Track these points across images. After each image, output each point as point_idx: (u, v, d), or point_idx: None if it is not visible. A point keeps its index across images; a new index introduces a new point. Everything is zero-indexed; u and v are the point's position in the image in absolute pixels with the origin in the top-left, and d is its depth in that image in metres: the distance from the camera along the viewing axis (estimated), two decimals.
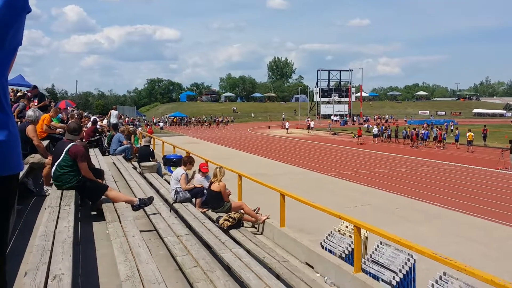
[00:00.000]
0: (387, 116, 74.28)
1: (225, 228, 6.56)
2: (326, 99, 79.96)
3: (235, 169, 9.03)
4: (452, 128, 39.32)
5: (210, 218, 6.99)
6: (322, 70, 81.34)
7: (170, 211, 6.88)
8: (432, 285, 4.36)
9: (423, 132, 32.77)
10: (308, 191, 13.12)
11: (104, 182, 5.71)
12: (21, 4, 1.25)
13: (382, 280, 4.98)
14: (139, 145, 14.18)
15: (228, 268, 4.57)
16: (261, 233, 7.33)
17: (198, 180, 8.06)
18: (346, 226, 6.24)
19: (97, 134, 13.33)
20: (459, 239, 9.83)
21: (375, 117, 70.85)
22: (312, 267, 5.72)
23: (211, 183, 7.67)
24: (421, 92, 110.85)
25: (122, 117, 35.90)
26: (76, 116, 15.61)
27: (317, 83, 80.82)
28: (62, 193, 4.80)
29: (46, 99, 15.57)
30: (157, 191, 8.58)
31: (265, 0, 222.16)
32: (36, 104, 11.83)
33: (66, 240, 3.14)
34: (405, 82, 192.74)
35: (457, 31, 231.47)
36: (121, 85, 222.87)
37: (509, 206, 12.76)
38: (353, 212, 9.93)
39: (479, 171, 20.23)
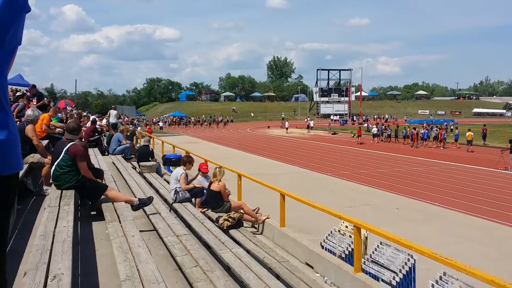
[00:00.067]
0: (386, 116, 74.33)
1: (225, 228, 6.56)
2: (326, 99, 80.00)
3: (234, 169, 9.02)
4: (452, 127, 39.33)
5: (209, 218, 6.99)
6: (321, 70, 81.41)
7: (170, 211, 6.88)
8: (432, 285, 4.36)
9: (423, 131, 32.78)
10: (307, 191, 13.11)
11: (103, 182, 5.70)
12: (21, 4, 1.25)
13: (382, 280, 4.97)
14: (138, 145, 14.18)
15: (228, 268, 4.56)
16: (261, 233, 7.33)
17: (198, 180, 8.05)
18: (346, 226, 6.24)
19: (96, 134, 13.32)
20: (459, 239, 9.83)
21: (375, 116, 70.85)
22: (312, 267, 5.71)
23: (210, 183, 7.66)
24: (421, 92, 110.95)
25: (122, 116, 35.87)
26: (75, 115, 15.61)
27: (316, 82, 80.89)
28: (61, 192, 4.79)
29: (45, 98, 15.55)
30: (157, 191, 8.57)
31: (264, 0, 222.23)
32: (35, 103, 11.81)
33: (65, 240, 3.13)
34: (405, 81, 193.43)
35: (456, 31, 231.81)
36: (121, 84, 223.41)
37: (509, 206, 12.77)
38: (353, 212, 9.93)
39: (479, 171, 20.24)
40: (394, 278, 4.87)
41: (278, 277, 4.73)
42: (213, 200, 7.53)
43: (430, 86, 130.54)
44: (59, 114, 12.44)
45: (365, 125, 51.19)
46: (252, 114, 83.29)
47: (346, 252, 5.92)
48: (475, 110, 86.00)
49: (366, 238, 5.73)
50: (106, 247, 4.01)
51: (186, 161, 8.21)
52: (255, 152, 29.00)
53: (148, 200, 5.47)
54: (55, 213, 3.91)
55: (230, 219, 6.73)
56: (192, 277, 3.43)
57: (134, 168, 10.65)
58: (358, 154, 27.46)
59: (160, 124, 59.74)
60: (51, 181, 5.33)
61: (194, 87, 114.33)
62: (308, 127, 52.41)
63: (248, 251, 5.53)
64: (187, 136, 44.80)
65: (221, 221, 6.73)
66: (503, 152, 21.49)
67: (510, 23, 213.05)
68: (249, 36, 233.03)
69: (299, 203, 6.58)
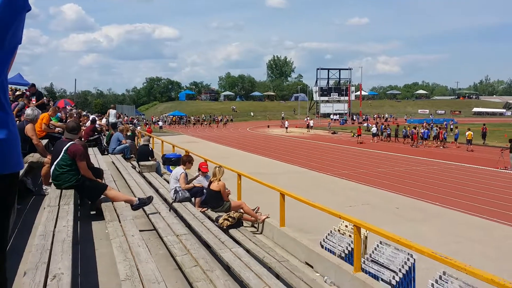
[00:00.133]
0: (386, 115, 74.34)
1: (225, 227, 6.56)
2: (326, 98, 79.97)
3: (234, 168, 9.02)
4: (451, 127, 39.34)
5: (209, 218, 6.99)
6: (321, 69, 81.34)
7: (170, 211, 6.87)
8: (432, 284, 4.36)
9: (422, 131, 32.79)
10: (307, 191, 13.12)
11: (103, 182, 5.70)
12: (21, 3, 1.25)
13: (382, 279, 4.98)
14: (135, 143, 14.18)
15: (227, 268, 4.56)
16: (261, 233, 7.33)
17: (198, 180, 8.05)
18: (346, 226, 6.23)
19: (96, 133, 13.31)
20: (459, 238, 9.84)
21: (375, 116, 70.89)
22: (312, 267, 5.72)
23: (210, 183, 7.66)
24: (421, 91, 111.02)
25: (121, 116, 35.86)
26: (75, 115, 15.59)
27: (316, 82, 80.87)
28: (61, 192, 4.79)
29: (45, 98, 15.54)
30: (157, 191, 8.57)
31: None
32: (34, 102, 11.80)
33: (65, 240, 3.13)
34: (405, 80, 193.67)
35: (456, 30, 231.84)
36: (120, 84, 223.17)
37: (509, 206, 12.77)
38: (353, 212, 9.93)
39: (478, 170, 20.24)
40: (393, 277, 4.87)
41: (278, 276, 4.73)
42: (213, 199, 7.53)
43: (430, 86, 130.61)
44: (59, 114, 12.43)
45: (365, 124, 51.19)
46: (251, 114, 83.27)
47: (346, 252, 5.92)
48: (475, 109, 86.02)
49: (366, 237, 5.73)
50: (106, 246, 4.01)
51: (185, 160, 8.21)
52: (254, 152, 29.00)
53: (148, 200, 5.47)
54: (55, 212, 3.91)
55: (230, 219, 6.73)
56: (192, 276, 3.43)
57: (134, 167, 10.65)
58: (358, 154, 27.47)
59: (160, 123, 59.73)
60: (50, 180, 5.33)
61: (194, 87, 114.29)
62: (308, 126, 52.42)
63: (248, 251, 5.53)
64: (187, 136, 44.79)
65: (221, 220, 6.73)
66: (503, 152, 21.50)
67: (510, 22, 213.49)
68: (248, 35, 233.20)
69: (299, 203, 6.58)
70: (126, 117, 41.62)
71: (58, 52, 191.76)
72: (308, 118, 59.20)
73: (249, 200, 7.94)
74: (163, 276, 2.86)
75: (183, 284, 3.76)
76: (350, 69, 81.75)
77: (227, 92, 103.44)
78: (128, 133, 14.15)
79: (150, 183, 9.26)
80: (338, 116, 74.68)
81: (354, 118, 72.50)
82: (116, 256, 3.22)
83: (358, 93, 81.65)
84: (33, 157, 6.14)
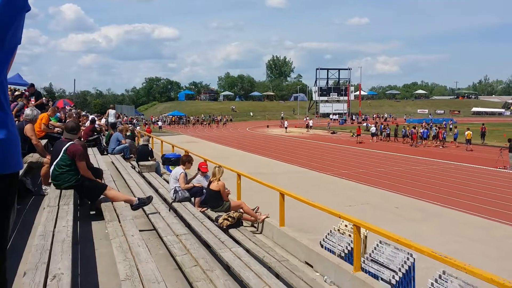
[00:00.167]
0: (386, 115, 74.39)
1: (225, 227, 6.56)
2: (325, 98, 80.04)
3: (234, 168, 9.02)
4: (451, 126, 39.39)
5: (209, 217, 6.99)
6: (320, 69, 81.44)
7: (169, 211, 6.87)
8: (432, 284, 4.36)
9: (422, 131, 32.83)
10: (307, 190, 13.12)
11: (102, 182, 5.70)
12: (20, 3, 1.25)
13: (382, 279, 4.98)
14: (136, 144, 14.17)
15: (227, 267, 4.56)
16: (261, 232, 7.33)
17: (197, 179, 8.05)
18: (346, 225, 6.24)
19: (95, 133, 13.30)
20: (458, 238, 9.84)
21: (374, 116, 70.94)
22: (312, 266, 5.72)
23: (210, 182, 7.66)
24: (420, 91, 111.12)
25: (121, 116, 35.83)
26: (74, 115, 15.59)
27: (315, 81, 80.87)
28: (60, 192, 4.78)
29: (44, 98, 15.52)
30: (156, 191, 8.57)
31: None
32: (33, 102, 11.79)
33: (65, 240, 3.13)
34: (404, 80, 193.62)
35: (456, 30, 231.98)
36: (120, 84, 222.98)
37: (508, 205, 12.78)
38: (352, 211, 9.94)
39: (478, 170, 20.26)
40: (393, 277, 4.87)
41: (277, 276, 4.73)
42: (213, 199, 7.53)
43: (429, 85, 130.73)
44: (58, 114, 12.43)
45: (364, 124, 51.23)
46: (251, 114, 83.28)
47: (346, 251, 5.92)
48: (474, 109, 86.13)
49: (366, 237, 5.73)
50: (106, 246, 4.01)
51: (185, 160, 8.21)
52: (254, 152, 29.00)
53: (148, 200, 5.46)
54: (55, 212, 3.91)
55: (229, 219, 6.73)
56: (192, 276, 3.43)
57: (133, 167, 10.65)
58: (357, 153, 27.48)
59: (159, 123, 59.70)
60: (50, 180, 5.32)
61: (193, 87, 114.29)
62: (307, 126, 52.44)
63: (247, 250, 5.53)
64: (186, 136, 44.78)
65: (220, 220, 6.72)
66: (502, 151, 21.53)
67: (509, 22, 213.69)
68: (248, 35, 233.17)
69: (298, 202, 6.58)
70: (125, 117, 41.59)
71: (57, 52, 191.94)
72: (308, 118, 59.22)
73: (248, 200, 7.94)
74: (163, 276, 2.86)
75: (183, 284, 3.76)
76: (349, 69, 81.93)
77: (227, 92, 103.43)
78: (128, 133, 14.14)
79: (149, 183, 9.25)
80: (337, 116, 74.72)
81: (354, 118, 72.55)
82: (116, 256, 3.22)
83: (358, 93, 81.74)
84: (33, 157, 6.13)
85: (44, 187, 6.03)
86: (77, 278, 3.24)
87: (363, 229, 5.20)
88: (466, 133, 28.60)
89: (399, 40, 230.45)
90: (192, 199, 7.80)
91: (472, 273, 3.37)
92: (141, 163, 11.13)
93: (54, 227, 3.45)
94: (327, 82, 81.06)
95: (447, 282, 4.23)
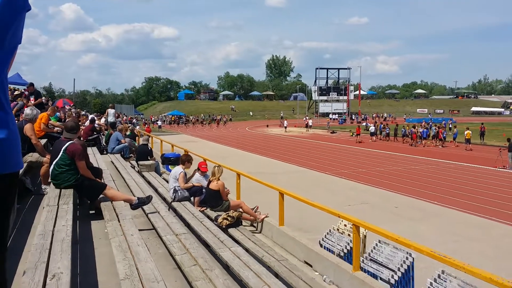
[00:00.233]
0: (385, 115, 74.42)
1: (224, 226, 6.56)
2: (325, 98, 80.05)
3: (233, 167, 9.02)
4: (450, 126, 39.42)
5: (208, 217, 6.99)
6: (320, 68, 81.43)
7: (169, 210, 6.87)
8: (431, 283, 4.37)
9: (421, 130, 32.85)
10: (306, 190, 13.12)
11: (102, 181, 5.70)
12: (21, 3, 1.25)
13: (381, 278, 4.99)
14: (136, 144, 14.16)
15: (227, 267, 4.57)
16: (260, 232, 7.33)
17: (197, 179, 8.05)
18: (345, 225, 6.24)
19: (95, 133, 13.30)
20: (457, 237, 9.86)
21: (373, 115, 70.97)
22: (311, 266, 5.72)
23: (209, 182, 7.66)
24: (420, 90, 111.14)
25: (120, 115, 35.81)
26: (74, 114, 15.58)
27: (315, 81, 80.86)
28: (60, 192, 4.78)
29: (44, 97, 15.52)
30: (156, 190, 8.57)
31: None
32: (32, 101, 11.79)
33: (64, 239, 3.13)
34: (404, 80, 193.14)
35: (455, 30, 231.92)
36: (119, 83, 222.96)
37: (507, 205, 12.80)
38: (352, 211, 9.95)
39: (477, 169, 20.28)
40: (392, 276, 4.88)
41: (277, 275, 4.73)
42: (212, 199, 7.53)
43: (429, 85, 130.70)
44: (58, 113, 12.43)
45: (364, 124, 51.26)
46: (251, 113, 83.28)
47: (345, 251, 5.93)
48: (474, 108, 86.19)
49: (365, 236, 5.74)
50: (105, 246, 4.01)
51: (185, 160, 8.21)
52: (254, 151, 29.00)
53: (147, 199, 5.47)
54: (54, 212, 3.91)
55: (229, 218, 6.74)
56: (191, 275, 3.43)
57: (133, 167, 10.65)
58: (356, 153, 27.49)
59: (159, 123, 59.67)
60: (49, 180, 5.33)
61: (193, 86, 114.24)
62: (307, 126, 52.47)
63: (247, 250, 5.53)
64: (186, 135, 44.77)
65: (220, 219, 6.73)
66: (501, 151, 21.55)
67: (509, 22, 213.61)
68: (248, 35, 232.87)
69: (298, 202, 6.58)
70: (125, 117, 41.57)
71: (57, 52, 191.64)
72: (307, 118, 59.22)
73: (248, 200, 7.94)
74: (162, 275, 2.86)
75: (183, 283, 3.77)
76: (349, 69, 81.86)
77: (226, 92, 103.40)
78: (127, 133, 14.14)
79: (149, 183, 9.25)
80: (337, 115, 74.73)
81: (353, 118, 72.55)
82: (115, 256, 3.22)
83: (357, 92, 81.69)
84: (32, 156, 6.13)
85: (43, 186, 6.04)
86: (76, 277, 3.25)
87: (362, 229, 5.20)
88: (466, 132, 28.63)
89: (398, 39, 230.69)
90: (192, 198, 7.80)
91: (471, 273, 3.38)
92: (140, 162, 11.13)
93: (54, 226, 3.45)
94: (327, 82, 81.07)
95: (446, 281, 4.23)
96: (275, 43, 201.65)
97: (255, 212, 7.58)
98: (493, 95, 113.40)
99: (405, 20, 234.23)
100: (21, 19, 1.27)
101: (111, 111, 17.57)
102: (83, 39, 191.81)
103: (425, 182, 16.64)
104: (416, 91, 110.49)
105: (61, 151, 4.97)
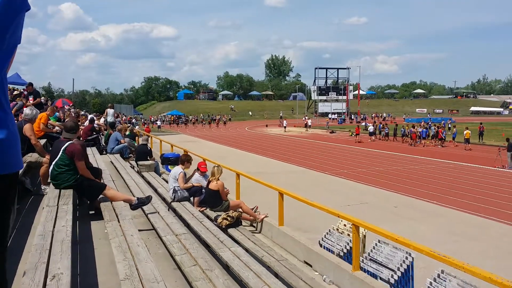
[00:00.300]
0: (384, 114, 74.47)
1: (224, 227, 6.56)
2: (324, 97, 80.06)
3: (233, 167, 9.02)
4: (449, 126, 39.47)
5: (208, 217, 6.99)
6: (319, 68, 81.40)
7: (169, 210, 6.87)
8: (430, 283, 4.37)
9: (420, 130, 32.89)
10: (306, 190, 13.13)
11: (102, 181, 5.69)
12: (20, 3, 1.25)
13: (380, 278, 4.99)
14: (136, 144, 14.15)
15: (226, 267, 4.57)
16: (260, 232, 7.34)
17: (196, 179, 8.05)
18: (345, 225, 6.25)
19: (94, 133, 13.29)
20: (457, 237, 9.87)
21: (373, 115, 71.01)
22: (311, 266, 5.73)
23: (209, 182, 7.66)
24: (419, 90, 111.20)
25: (120, 115, 35.80)
26: (73, 114, 15.57)
27: (314, 81, 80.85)
28: (59, 192, 4.78)
29: (43, 97, 15.51)
30: (155, 190, 8.57)
31: None
32: (31, 101, 11.78)
33: (64, 240, 3.13)
34: (403, 80, 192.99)
35: (454, 29, 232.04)
36: (118, 83, 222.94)
37: (506, 204, 12.82)
38: (351, 211, 9.96)
39: (476, 169, 20.30)
40: (392, 276, 4.89)
41: (276, 275, 4.74)
42: (212, 199, 7.53)
43: (428, 85, 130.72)
44: (57, 113, 12.42)
45: (363, 123, 51.29)
46: (250, 113, 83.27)
47: (345, 251, 5.93)
48: (473, 108, 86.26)
49: (364, 236, 5.75)
50: (105, 246, 4.00)
51: (184, 160, 8.21)
52: (253, 151, 29.00)
53: (147, 199, 5.46)
54: (54, 212, 3.91)
55: (228, 218, 6.74)
56: (191, 276, 3.43)
57: (133, 167, 10.65)
58: (356, 153, 27.51)
59: (158, 123, 59.63)
60: (49, 180, 5.32)
61: (192, 86, 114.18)
62: (306, 125, 52.47)
63: (246, 250, 5.53)
64: (185, 135, 44.77)
65: (219, 220, 6.73)
66: (500, 150, 21.57)
67: (508, 21, 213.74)
68: (247, 34, 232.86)
69: (297, 202, 6.58)
70: (124, 117, 41.55)
71: (56, 52, 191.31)
72: (306, 117, 59.23)
73: (247, 200, 7.94)
74: (162, 275, 2.86)
75: (183, 284, 3.77)
76: (348, 69, 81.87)
77: (225, 92, 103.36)
78: (127, 133, 14.13)
79: (148, 183, 9.25)
80: (336, 115, 74.76)
81: (352, 117, 72.59)
82: (115, 256, 3.22)
83: (356, 92, 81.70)
84: (32, 157, 6.12)
85: (43, 186, 6.03)
86: (76, 277, 3.25)
87: (362, 229, 5.21)
88: (465, 132, 28.67)
89: (397, 39, 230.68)
90: (191, 198, 7.80)
91: (471, 272, 3.39)
92: (140, 162, 11.12)
93: (54, 226, 3.45)
94: (326, 82, 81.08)
95: (445, 281, 4.24)
96: (275, 42, 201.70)
97: (255, 212, 7.59)
98: (492, 95, 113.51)
99: (404, 20, 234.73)
100: (21, 19, 1.27)
101: (110, 111, 17.57)
102: (82, 39, 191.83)
103: (424, 182, 16.65)
104: (415, 91, 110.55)
105: (61, 151, 4.96)
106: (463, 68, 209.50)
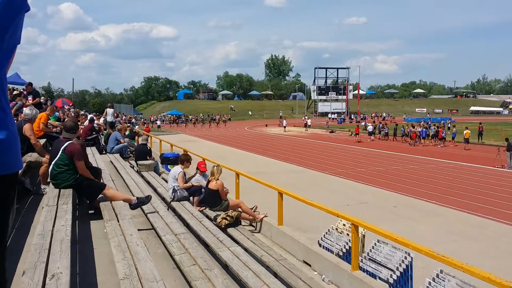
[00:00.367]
0: (384, 114, 74.48)
1: (223, 226, 6.57)
2: (324, 97, 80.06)
3: (232, 167, 9.03)
4: (449, 125, 39.48)
5: (207, 217, 7.00)
6: (319, 68, 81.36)
7: (168, 210, 6.87)
8: (429, 282, 4.38)
9: (420, 130, 32.90)
10: (305, 189, 13.13)
11: (101, 181, 5.70)
12: (20, 3, 1.25)
13: (380, 278, 5.00)
14: (136, 144, 14.15)
15: (226, 267, 4.57)
16: (259, 232, 7.34)
17: (196, 179, 8.05)
18: (344, 224, 6.25)
19: (94, 133, 13.29)
20: (456, 237, 9.88)
21: (372, 115, 71.02)
22: (310, 265, 5.73)
23: (208, 182, 7.67)
24: (418, 90, 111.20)
25: (119, 115, 35.79)
26: (73, 114, 15.57)
27: (314, 81, 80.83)
28: (59, 191, 4.78)
29: (42, 97, 15.50)
30: (155, 190, 8.57)
31: None
32: (30, 101, 11.78)
33: (63, 239, 3.13)
34: (402, 79, 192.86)
35: (454, 29, 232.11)
36: (118, 83, 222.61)
37: (505, 204, 12.83)
38: (351, 210, 9.97)
39: (476, 169, 20.31)
40: (391, 276, 4.89)
41: (276, 275, 4.74)
42: (211, 198, 7.54)
43: (428, 85, 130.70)
44: (57, 113, 12.42)
45: (363, 123, 51.29)
46: (250, 113, 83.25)
47: (344, 250, 5.94)
48: (472, 108, 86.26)
49: (364, 236, 5.75)
50: (104, 245, 4.01)
51: (184, 159, 8.21)
52: (253, 151, 29.00)
53: (146, 199, 5.47)
54: (53, 212, 3.91)
55: (228, 218, 6.74)
56: (190, 275, 3.44)
57: (132, 167, 10.65)
58: (355, 152, 27.51)
59: (158, 122, 59.61)
60: (49, 180, 5.32)
61: (192, 86, 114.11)
62: (306, 125, 52.46)
63: (246, 250, 5.54)
64: (185, 135, 44.76)
65: (219, 219, 6.74)
66: (500, 150, 21.59)
67: (507, 21, 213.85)
68: (246, 34, 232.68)
69: (296, 202, 6.59)
70: (124, 117, 41.53)
71: (56, 52, 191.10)
72: (306, 117, 59.22)
73: (247, 199, 7.95)
74: (161, 275, 2.87)
75: (182, 283, 3.77)
76: (348, 68, 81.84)
77: (225, 91, 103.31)
78: (126, 132, 14.13)
79: (148, 182, 9.25)
80: (336, 115, 74.76)
81: (352, 117, 72.59)
82: (114, 255, 3.23)
83: (356, 92, 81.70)
84: (31, 156, 6.13)
85: (42, 186, 6.04)
86: (75, 277, 3.25)
87: (361, 228, 5.21)
88: (465, 132, 28.68)
89: (397, 39, 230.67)
90: (191, 198, 7.80)
91: (470, 272, 3.39)
92: (139, 162, 11.12)
93: (53, 226, 3.45)
94: (326, 81, 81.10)
95: (444, 281, 4.25)
96: (274, 42, 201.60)
97: (254, 211, 7.59)
98: (491, 94, 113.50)
99: (404, 19, 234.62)
100: (20, 19, 1.27)
101: (110, 110, 17.58)
102: (82, 39, 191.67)
103: (423, 182, 16.66)
104: (415, 91, 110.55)
105: (60, 151, 4.97)
106: (462, 68, 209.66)
